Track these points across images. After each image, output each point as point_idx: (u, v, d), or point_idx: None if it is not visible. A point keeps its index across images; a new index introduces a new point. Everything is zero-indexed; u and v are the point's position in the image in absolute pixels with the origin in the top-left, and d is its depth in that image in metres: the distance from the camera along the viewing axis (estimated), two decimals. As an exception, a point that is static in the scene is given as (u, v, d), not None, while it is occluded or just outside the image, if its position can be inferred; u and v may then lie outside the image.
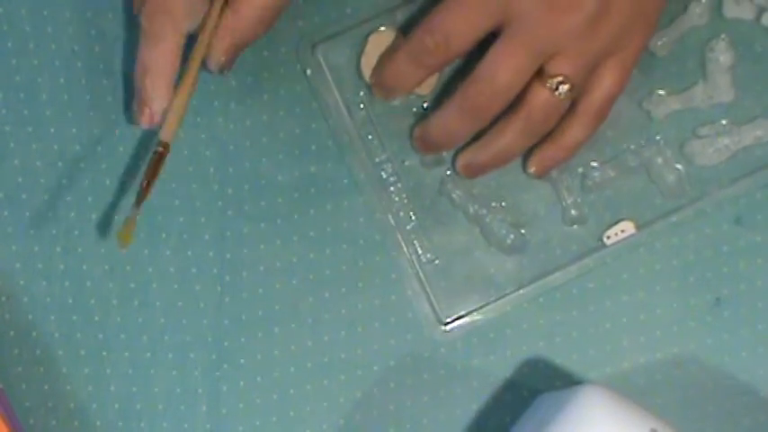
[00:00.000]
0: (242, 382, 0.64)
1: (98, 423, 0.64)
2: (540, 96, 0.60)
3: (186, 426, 0.64)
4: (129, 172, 0.65)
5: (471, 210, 0.65)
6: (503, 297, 0.65)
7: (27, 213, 0.64)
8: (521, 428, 0.63)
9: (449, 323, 0.65)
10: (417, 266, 0.65)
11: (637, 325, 0.65)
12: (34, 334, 0.64)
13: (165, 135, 0.60)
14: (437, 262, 0.65)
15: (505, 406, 0.65)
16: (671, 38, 0.67)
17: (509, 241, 0.65)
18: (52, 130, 0.65)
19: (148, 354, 0.64)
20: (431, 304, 0.65)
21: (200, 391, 0.64)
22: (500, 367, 0.65)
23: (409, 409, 0.65)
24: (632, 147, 0.66)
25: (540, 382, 0.65)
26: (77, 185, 0.65)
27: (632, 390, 0.64)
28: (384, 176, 0.65)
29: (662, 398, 0.65)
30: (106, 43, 0.65)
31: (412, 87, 0.64)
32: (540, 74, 0.60)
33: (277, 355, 0.65)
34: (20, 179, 0.65)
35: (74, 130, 0.65)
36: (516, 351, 0.65)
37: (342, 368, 0.65)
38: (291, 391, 0.65)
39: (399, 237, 0.65)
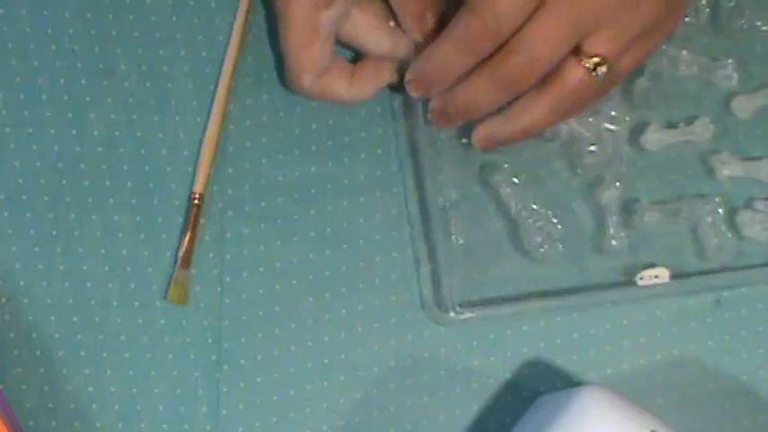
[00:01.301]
0: (242, 383, 0.64)
1: (98, 424, 0.64)
2: (576, 74, 0.58)
3: (186, 427, 0.64)
4: (129, 173, 0.65)
5: (514, 208, 0.65)
6: (518, 302, 0.65)
7: (27, 214, 0.64)
8: (521, 429, 0.63)
9: (458, 313, 0.64)
10: (443, 247, 0.64)
11: (637, 326, 0.66)
12: (34, 335, 0.64)
13: (198, 187, 0.64)
14: (462, 245, 0.65)
15: (506, 407, 0.65)
16: (754, 103, 0.66)
17: (542, 251, 0.65)
18: (52, 131, 0.65)
19: (148, 355, 0.64)
20: (439, 292, 0.64)
21: (200, 392, 0.64)
22: (500, 368, 0.65)
23: (409, 410, 0.65)
24: (686, 198, 0.66)
25: (540, 383, 0.65)
26: (77, 186, 0.65)
27: (632, 390, 0.64)
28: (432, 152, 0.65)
29: (662, 398, 0.65)
30: (106, 43, 0.65)
31: (456, 77, 0.60)
32: (576, 51, 0.58)
33: (277, 355, 0.65)
34: (20, 180, 0.65)
35: (74, 131, 0.65)
36: (516, 352, 0.65)
37: (342, 369, 0.65)
38: (291, 391, 0.65)
39: (433, 214, 0.64)
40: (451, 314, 0.64)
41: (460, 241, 0.65)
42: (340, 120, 0.65)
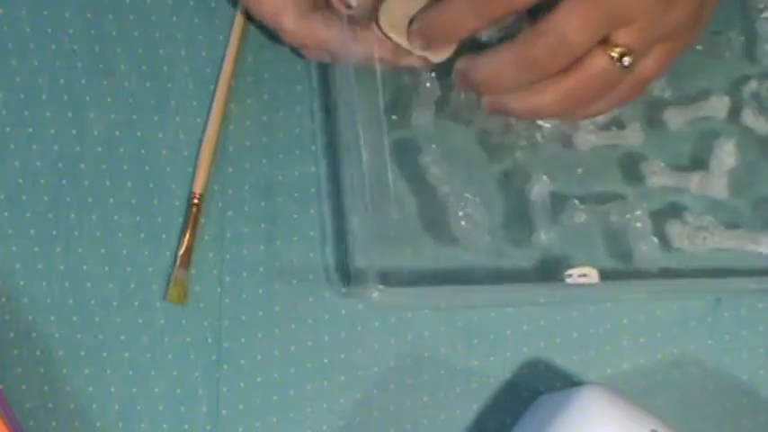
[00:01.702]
0: (242, 383, 0.64)
1: (98, 424, 0.64)
2: (599, 62, 0.57)
3: (186, 427, 0.64)
4: (129, 173, 0.65)
5: (441, 191, 0.64)
6: (440, 286, 0.64)
7: (27, 214, 0.64)
8: (521, 429, 0.63)
9: (380, 291, 0.60)
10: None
11: (637, 325, 0.65)
12: (34, 335, 0.64)
13: (198, 187, 0.64)
14: (383, 223, 0.63)
15: (506, 406, 0.65)
16: (686, 116, 0.66)
17: (470, 237, 0.63)
18: (52, 131, 0.65)
19: (148, 355, 0.64)
20: (358, 269, 0.61)
21: (200, 392, 0.64)
22: (500, 368, 0.65)
23: (409, 410, 0.65)
24: (616, 201, 0.65)
25: (540, 383, 0.65)
26: (77, 186, 0.65)
27: (632, 390, 0.64)
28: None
29: (662, 398, 0.65)
30: (106, 43, 0.65)
31: (461, 39, 0.59)
32: (602, 42, 0.57)
33: (277, 355, 0.65)
34: (20, 180, 0.65)
35: (74, 131, 0.65)
36: (516, 351, 0.65)
37: (342, 369, 0.65)
38: (291, 391, 0.65)
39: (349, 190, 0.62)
40: (374, 294, 0.60)
41: (382, 219, 0.62)
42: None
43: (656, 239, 0.64)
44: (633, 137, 0.66)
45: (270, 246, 0.65)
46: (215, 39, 0.66)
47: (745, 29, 0.69)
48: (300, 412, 0.64)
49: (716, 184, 0.65)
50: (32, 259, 0.64)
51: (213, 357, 0.64)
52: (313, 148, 0.65)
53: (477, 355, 0.65)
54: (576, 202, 0.65)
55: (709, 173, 0.66)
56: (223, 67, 0.65)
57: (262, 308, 0.65)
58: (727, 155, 0.65)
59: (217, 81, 0.65)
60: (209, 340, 0.64)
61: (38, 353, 0.64)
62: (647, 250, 0.64)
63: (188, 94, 0.65)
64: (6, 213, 0.64)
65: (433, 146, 0.65)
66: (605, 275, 0.63)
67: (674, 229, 0.65)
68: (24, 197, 0.64)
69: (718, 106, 0.67)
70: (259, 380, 0.64)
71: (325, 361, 0.65)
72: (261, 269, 0.65)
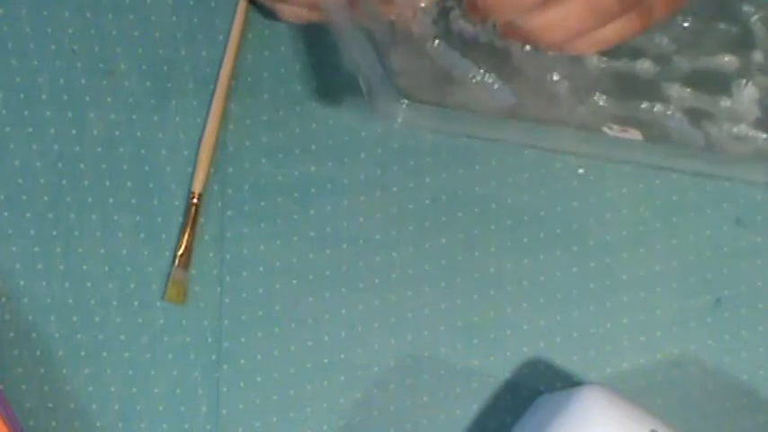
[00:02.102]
0: (242, 383, 0.64)
1: (98, 424, 0.64)
2: None
3: (186, 426, 0.64)
4: (129, 173, 0.65)
5: (454, 72, 0.57)
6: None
7: (27, 214, 0.64)
8: (521, 429, 0.63)
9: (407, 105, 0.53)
10: None
11: (637, 325, 0.65)
12: (34, 335, 0.64)
13: (197, 186, 0.64)
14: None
15: (506, 406, 0.65)
16: (695, 65, 0.64)
17: (499, 97, 0.57)
18: (52, 130, 0.65)
19: (148, 355, 0.64)
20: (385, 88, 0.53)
21: (200, 391, 0.64)
22: (500, 367, 0.65)
23: (409, 410, 0.65)
24: (643, 106, 0.60)
25: (540, 383, 0.65)
26: (77, 186, 0.65)
27: (632, 390, 0.64)
28: None
29: (662, 398, 0.65)
30: (106, 43, 0.65)
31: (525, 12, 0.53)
32: None
33: (277, 355, 0.65)
34: (20, 180, 0.65)
35: (74, 131, 0.65)
36: (516, 351, 0.65)
37: (342, 368, 0.65)
38: (291, 391, 0.65)
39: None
40: (400, 115, 0.52)
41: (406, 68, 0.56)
42: (340, 119, 0.65)
43: (696, 130, 0.59)
44: (644, 71, 0.61)
45: (270, 245, 0.65)
46: (215, 39, 0.66)
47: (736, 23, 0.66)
48: (300, 412, 0.65)
49: (746, 110, 0.61)
50: (32, 259, 0.64)
51: (213, 357, 0.64)
52: (313, 147, 0.65)
53: (477, 355, 0.65)
54: (599, 93, 0.59)
55: (734, 101, 0.61)
56: (223, 66, 0.65)
57: (262, 308, 0.65)
58: (749, 90, 0.62)
59: (217, 81, 0.65)
60: (209, 340, 0.64)
61: (38, 353, 0.64)
62: (686, 134, 0.59)
63: (188, 93, 0.65)
64: (6, 213, 0.64)
65: (437, 41, 0.58)
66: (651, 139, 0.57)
67: (711, 130, 0.60)
68: (24, 197, 0.65)
69: (728, 60, 0.64)
70: (259, 380, 0.64)
71: (325, 361, 0.65)
72: (261, 269, 0.65)
